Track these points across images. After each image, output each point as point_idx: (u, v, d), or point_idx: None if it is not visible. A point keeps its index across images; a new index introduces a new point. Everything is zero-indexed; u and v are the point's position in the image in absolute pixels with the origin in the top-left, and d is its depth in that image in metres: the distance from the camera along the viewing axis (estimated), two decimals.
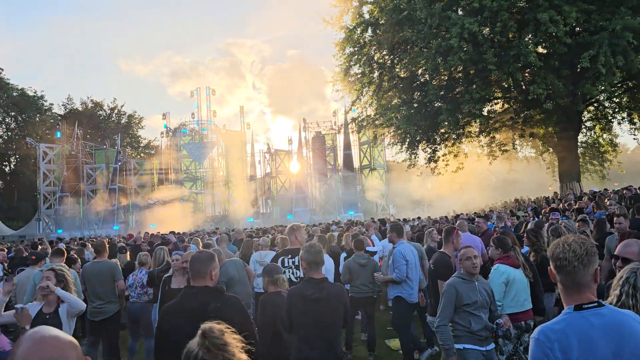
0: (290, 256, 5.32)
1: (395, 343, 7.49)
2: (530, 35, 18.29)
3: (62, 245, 13.60)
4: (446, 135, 23.09)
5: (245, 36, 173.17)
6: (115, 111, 71.13)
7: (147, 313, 6.92)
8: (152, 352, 6.75)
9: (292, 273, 5.20)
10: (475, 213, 18.19)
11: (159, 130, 60.00)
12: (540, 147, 28.29)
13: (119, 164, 44.35)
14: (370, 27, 23.21)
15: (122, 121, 70.98)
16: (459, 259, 4.55)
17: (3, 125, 64.70)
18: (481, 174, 33.44)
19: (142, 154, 65.26)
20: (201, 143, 46.08)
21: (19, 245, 14.87)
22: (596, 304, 2.06)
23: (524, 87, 20.42)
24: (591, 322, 2.00)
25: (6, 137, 64.66)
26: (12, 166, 65.65)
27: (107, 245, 7.37)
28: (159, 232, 18.78)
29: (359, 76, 24.44)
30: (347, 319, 3.97)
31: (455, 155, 24.45)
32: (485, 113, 22.16)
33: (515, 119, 22.16)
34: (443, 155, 24.03)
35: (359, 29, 23.35)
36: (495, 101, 23.87)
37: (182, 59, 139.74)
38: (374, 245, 9.63)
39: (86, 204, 42.45)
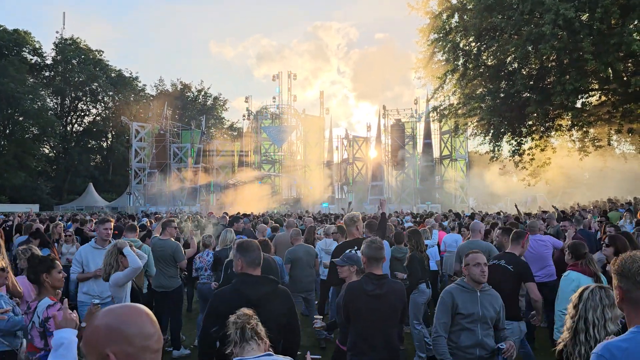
0: (356, 248, 5.26)
1: None
2: (635, 22, 16.71)
3: (144, 221, 14.38)
4: (533, 128, 21.85)
5: (333, 19, 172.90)
6: (202, 93, 74.07)
7: None
8: None
9: None
10: (562, 212, 16.97)
11: (242, 112, 61.72)
12: None
13: (203, 144, 46.19)
14: (456, 13, 22.28)
15: (208, 103, 73.86)
16: (465, 263, 4.11)
17: (102, 104, 69.46)
18: (571, 170, 31.41)
19: (224, 136, 67.59)
20: (281, 127, 46.88)
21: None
22: None
23: (625, 78, 18.76)
24: None
25: (104, 115, 69.42)
26: (109, 142, 70.42)
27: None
28: (238, 213, 19.27)
29: (442, 64, 23.62)
30: (404, 316, 3.96)
31: (543, 149, 23.09)
32: (578, 105, 20.68)
33: (613, 112, 20.46)
34: (529, 149, 22.78)
35: (444, 15, 22.49)
36: (591, 93, 22.17)
37: (269, 41, 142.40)
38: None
39: (172, 181, 44.62)
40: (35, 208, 43.65)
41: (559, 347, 2.95)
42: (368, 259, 3.92)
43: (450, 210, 22.18)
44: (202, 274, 7.20)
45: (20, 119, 58.51)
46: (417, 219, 16.99)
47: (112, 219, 6.44)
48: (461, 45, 22.93)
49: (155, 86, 73.36)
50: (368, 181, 42.23)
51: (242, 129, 51.86)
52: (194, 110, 69.50)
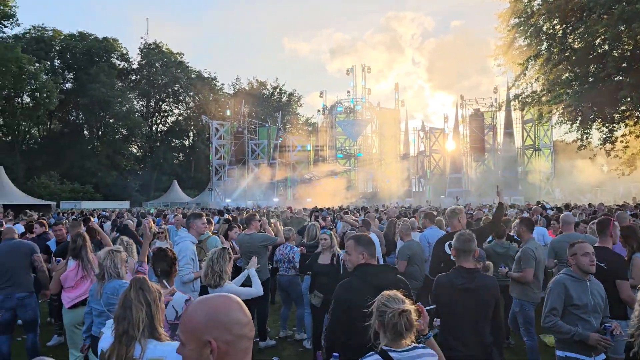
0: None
1: (550, 339, 6.81)
2: None
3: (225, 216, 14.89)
4: (627, 113, 20.33)
5: (407, 9, 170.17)
6: (277, 90, 75.56)
7: (296, 284, 7.24)
8: (303, 319, 7.19)
9: None
10: None
11: (316, 107, 62.29)
12: None
13: (279, 140, 47.11)
14: None
15: (283, 99, 75.24)
16: (571, 253, 3.94)
17: (183, 104, 72.78)
18: None
19: (300, 131, 68.57)
20: (355, 120, 46.82)
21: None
22: None
23: None
24: None
25: (185, 115, 72.71)
26: (190, 141, 73.68)
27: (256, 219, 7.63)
28: (315, 207, 19.54)
29: (524, 49, 22.53)
30: (497, 313, 3.76)
31: (638, 136, 21.45)
32: None
33: None
34: (622, 136, 21.24)
35: None
36: None
37: (342, 35, 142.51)
38: None
39: (250, 176, 45.88)
40: (125, 204, 46.68)
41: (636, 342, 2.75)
42: (457, 251, 3.83)
43: (538, 202, 21.21)
44: (281, 266, 7.37)
45: (111, 121, 62.67)
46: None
47: (204, 213, 6.65)
48: (544, 28, 21.80)
49: (232, 85, 75.97)
50: (446, 173, 41.24)
51: (317, 124, 52.33)
52: (270, 107, 71.10)
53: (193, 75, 70.27)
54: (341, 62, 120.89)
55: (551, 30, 21.52)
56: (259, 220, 7.31)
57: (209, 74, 73.22)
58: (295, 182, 45.10)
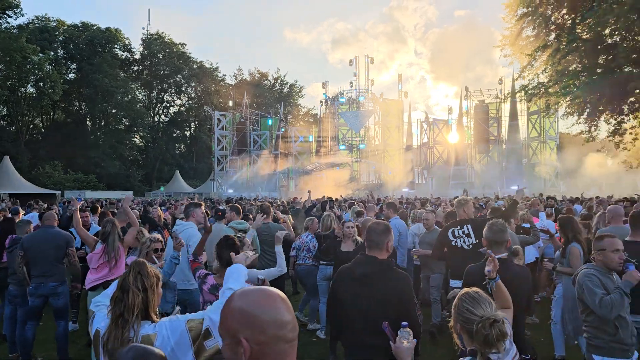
0: (459, 227, 5.61)
1: None
2: None
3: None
4: (637, 105, 20.14)
5: None
6: (279, 81, 75.29)
7: (312, 275, 7.15)
8: (316, 310, 7.13)
9: (464, 242, 5.51)
10: None
11: (318, 98, 62.08)
12: None
13: (281, 131, 46.92)
14: None
15: (284, 90, 74.96)
16: (599, 248, 3.75)
17: (185, 95, 72.51)
18: None
19: (301, 122, 68.33)
20: (358, 111, 46.57)
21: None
22: None
23: None
24: None
25: (187, 106, 72.47)
26: (192, 131, 73.51)
27: (272, 208, 7.68)
28: (324, 196, 19.26)
29: (531, 39, 22.29)
30: (530, 301, 3.82)
31: None
32: None
33: None
34: (631, 128, 21.04)
35: None
36: None
37: (344, 25, 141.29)
38: None
39: (252, 167, 45.73)
40: (128, 194, 46.58)
41: None
42: (489, 242, 3.77)
43: (541, 194, 21.08)
44: (299, 254, 7.32)
45: (114, 111, 62.49)
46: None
47: (203, 203, 6.64)
48: (553, 18, 21.59)
49: (234, 76, 75.65)
50: (450, 165, 41.05)
51: (319, 115, 52.11)
52: (272, 97, 70.84)
53: (195, 66, 69.93)
54: (343, 53, 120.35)
55: (560, 20, 21.29)
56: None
57: (210, 65, 72.91)
58: (297, 174, 44.96)
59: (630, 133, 21.20)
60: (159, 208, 9.42)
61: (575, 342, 5.50)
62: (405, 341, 2.45)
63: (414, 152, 45.72)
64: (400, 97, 48.30)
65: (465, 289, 2.49)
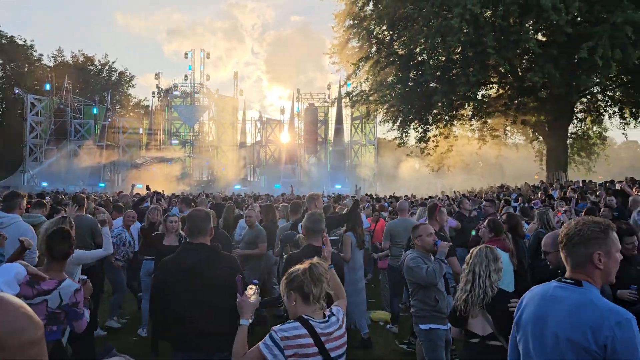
0: None
1: (378, 315, 7.61)
2: (531, 22, 18.21)
3: (47, 200, 13.54)
4: (439, 117, 23.14)
5: None
6: (107, 67, 69.88)
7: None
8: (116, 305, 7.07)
9: None
10: (476, 195, 17.93)
11: (150, 89, 59.23)
12: (530, 135, 28.49)
13: (108, 121, 43.88)
14: (371, 1, 22.94)
15: (113, 78, 69.86)
16: (416, 235, 4.54)
17: None
18: (469, 158, 33.60)
19: (131, 113, 64.48)
20: (192, 106, 45.64)
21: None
22: None
23: (520, 73, 20.43)
24: None
25: None
26: None
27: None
28: (160, 191, 18.19)
29: (356, 50, 24.26)
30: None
31: (446, 137, 24.54)
32: (479, 97, 22.21)
33: (509, 105, 22.24)
34: (434, 136, 24.11)
35: (360, 2, 23.08)
36: (491, 86, 23.90)
37: (181, 16, 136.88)
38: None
39: (73, 158, 41.95)
40: None
41: (459, 302, 3.35)
42: (307, 231, 4.01)
43: (364, 193, 22.98)
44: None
45: None
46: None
47: (24, 194, 5.98)
48: (375, 33, 23.65)
49: (53, 57, 68.06)
50: (281, 164, 42.41)
51: (151, 107, 49.83)
52: (98, 85, 65.38)
53: (4, 41, 61.51)
54: (179, 45, 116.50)
55: (380, 36, 23.47)
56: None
57: (24, 41, 64.71)
58: (125, 167, 42.47)
59: (433, 141, 24.17)
60: None
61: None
62: (254, 296, 2.72)
63: (247, 150, 46.24)
64: (235, 94, 48.50)
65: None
